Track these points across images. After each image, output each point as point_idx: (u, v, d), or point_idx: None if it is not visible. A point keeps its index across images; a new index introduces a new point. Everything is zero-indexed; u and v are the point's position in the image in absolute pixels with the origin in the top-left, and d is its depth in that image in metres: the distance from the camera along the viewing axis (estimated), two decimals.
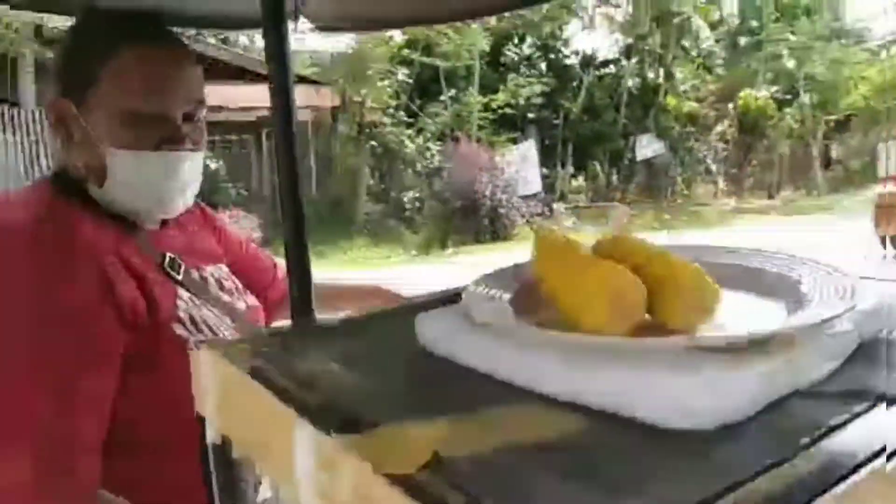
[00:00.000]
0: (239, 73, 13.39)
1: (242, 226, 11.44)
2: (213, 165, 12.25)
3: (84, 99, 1.04)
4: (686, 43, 18.84)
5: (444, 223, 13.08)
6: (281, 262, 1.45)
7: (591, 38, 24.97)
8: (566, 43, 19.61)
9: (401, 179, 14.62)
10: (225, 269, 1.28)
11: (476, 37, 15.79)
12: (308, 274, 0.98)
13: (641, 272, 0.61)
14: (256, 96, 13.15)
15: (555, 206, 15.83)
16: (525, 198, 14.61)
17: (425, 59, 15.77)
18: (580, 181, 18.73)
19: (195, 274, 1.16)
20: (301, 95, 13.68)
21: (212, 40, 11.82)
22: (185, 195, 1.12)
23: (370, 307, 1.55)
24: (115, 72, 1.03)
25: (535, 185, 15.32)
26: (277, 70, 0.95)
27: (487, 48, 17.11)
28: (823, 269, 0.67)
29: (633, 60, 18.33)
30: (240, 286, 1.27)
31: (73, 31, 1.11)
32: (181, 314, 1.06)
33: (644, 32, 17.83)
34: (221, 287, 1.23)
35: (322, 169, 13.79)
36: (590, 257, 0.64)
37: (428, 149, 14.98)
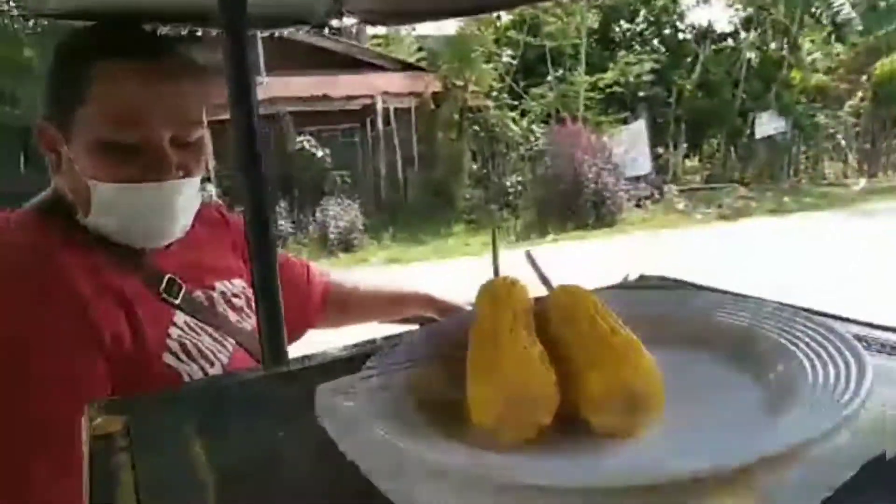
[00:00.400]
0: (345, 63, 13.64)
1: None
2: (318, 153, 12.53)
3: (68, 124, 0.98)
4: (816, 10, 17.45)
5: (545, 208, 12.78)
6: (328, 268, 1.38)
7: (708, 11, 23.65)
8: (681, 17, 18.63)
9: (503, 164, 14.42)
10: (239, 283, 1.21)
11: (583, 14, 15.29)
12: (276, 301, 0.88)
13: (569, 353, 0.46)
14: (362, 85, 13.37)
15: (665, 188, 15.22)
16: (634, 180, 14.06)
17: (531, 40, 15.43)
18: (694, 161, 17.85)
19: (199, 294, 1.10)
20: (403, 82, 13.80)
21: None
22: (176, 225, 1.04)
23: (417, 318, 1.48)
24: (93, 97, 0.96)
25: (645, 167, 14.71)
26: (236, 71, 0.84)
27: (596, 26, 16.53)
28: (833, 342, 0.49)
29: (754, 32, 17.18)
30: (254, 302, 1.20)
31: (59, 48, 1.05)
32: (172, 343, 1.00)
33: (766, 3, 16.65)
34: (231, 305, 1.15)
35: (425, 155, 13.82)
36: (510, 333, 0.50)
37: (531, 131, 14.67)
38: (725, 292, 0.82)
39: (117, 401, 0.61)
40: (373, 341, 0.77)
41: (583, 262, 8.83)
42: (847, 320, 0.64)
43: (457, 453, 0.42)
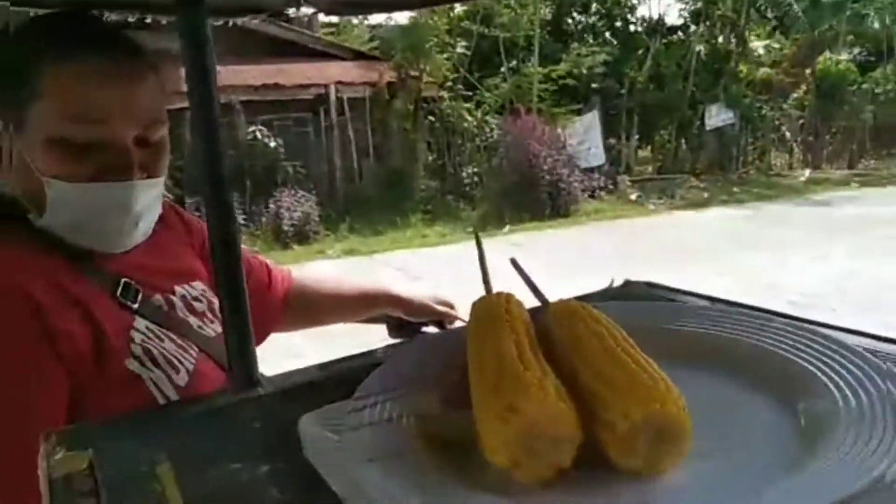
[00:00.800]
0: (297, 51, 13.39)
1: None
2: (271, 143, 12.30)
3: (19, 118, 0.91)
4: (761, 5, 17.85)
5: (501, 199, 12.80)
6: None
7: (659, 4, 23.98)
8: (632, 10, 18.84)
9: (459, 155, 14.39)
10: (200, 286, 1.15)
11: (536, 5, 15.32)
12: (243, 308, 0.82)
13: (584, 381, 0.42)
14: (314, 74, 13.14)
15: (619, 179, 15.38)
16: (588, 171, 14.19)
17: (485, 30, 15.40)
18: (646, 152, 18.11)
19: (158, 298, 1.04)
20: (356, 72, 13.63)
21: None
22: (137, 228, 0.98)
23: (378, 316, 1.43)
24: (48, 91, 0.89)
25: (599, 158, 14.87)
26: (195, 62, 0.78)
27: (549, 17, 16.59)
28: (861, 366, 0.47)
29: (703, 26, 17.47)
30: (216, 305, 1.14)
31: (5, 39, 0.97)
32: (135, 348, 0.94)
33: None
34: (192, 310, 1.09)
35: (380, 145, 13.69)
36: (520, 362, 0.45)
37: (486, 122, 14.66)
38: (716, 299, 0.79)
39: (78, 430, 0.55)
40: (349, 358, 0.73)
41: (544, 252, 8.89)
42: (855, 332, 0.61)
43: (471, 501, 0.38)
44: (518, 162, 12.97)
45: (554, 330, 0.51)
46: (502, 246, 9.59)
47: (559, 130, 14.24)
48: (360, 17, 13.25)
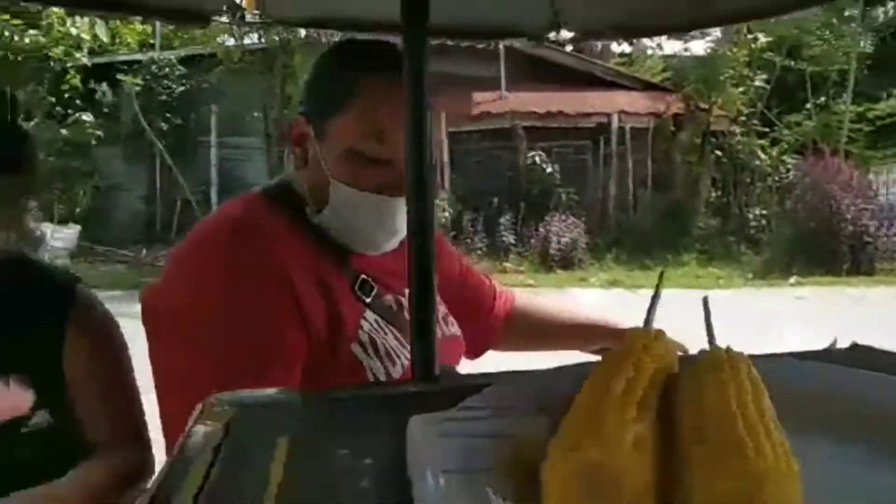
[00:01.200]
0: (585, 80, 13.55)
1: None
2: (548, 169, 12.57)
3: (323, 125, 1.06)
4: None
5: (791, 247, 11.60)
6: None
7: None
8: None
9: (746, 194, 13.40)
10: None
11: (855, 36, 13.77)
12: (430, 319, 0.84)
13: (682, 437, 0.36)
14: (598, 102, 13.19)
15: None
16: None
17: (789, 63, 14.20)
18: None
19: (388, 298, 1.13)
20: (643, 102, 13.39)
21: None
22: (393, 240, 1.10)
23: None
24: (353, 108, 1.03)
25: None
26: (413, 83, 0.83)
27: (870, 50, 14.80)
28: None
29: None
30: (441, 314, 1.20)
31: (327, 55, 1.14)
32: (362, 335, 1.05)
33: None
34: None
35: (659, 177, 13.28)
36: (616, 400, 0.40)
37: (782, 162, 13.48)
38: None
39: (232, 398, 0.60)
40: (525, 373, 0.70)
41: (832, 312, 7.84)
42: None
43: None
44: (816, 207, 11.70)
45: (684, 376, 0.45)
46: (786, 298, 8.65)
47: (871, 177, 12.62)
48: (622, 40, 12.92)
